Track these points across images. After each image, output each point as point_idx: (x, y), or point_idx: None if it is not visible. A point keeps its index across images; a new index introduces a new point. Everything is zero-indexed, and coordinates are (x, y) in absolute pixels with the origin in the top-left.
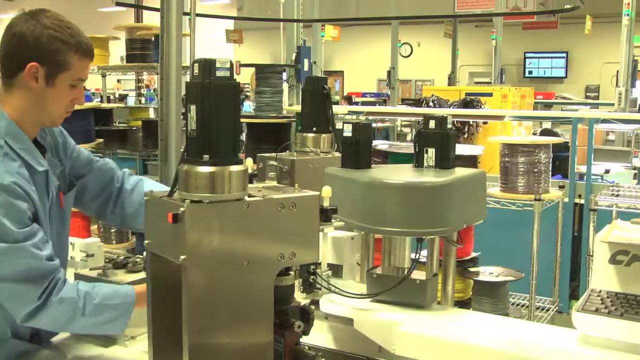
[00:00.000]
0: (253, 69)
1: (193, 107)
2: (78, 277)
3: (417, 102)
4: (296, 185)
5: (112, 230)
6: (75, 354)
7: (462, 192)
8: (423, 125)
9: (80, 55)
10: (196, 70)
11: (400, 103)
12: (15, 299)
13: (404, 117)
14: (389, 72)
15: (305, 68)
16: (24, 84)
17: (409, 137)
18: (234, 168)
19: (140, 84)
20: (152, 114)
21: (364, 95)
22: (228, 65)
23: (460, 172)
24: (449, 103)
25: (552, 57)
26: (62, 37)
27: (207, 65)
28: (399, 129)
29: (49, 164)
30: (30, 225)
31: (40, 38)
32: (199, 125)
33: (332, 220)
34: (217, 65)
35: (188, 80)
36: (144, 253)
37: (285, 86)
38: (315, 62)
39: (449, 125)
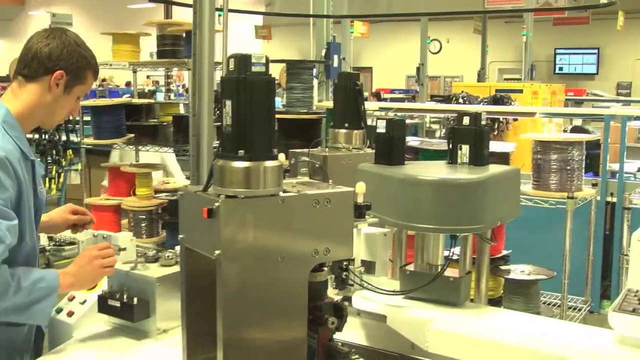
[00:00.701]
0: (281, 65)
1: (228, 103)
2: None
3: (447, 99)
4: (330, 181)
5: (143, 225)
6: (109, 348)
7: (496, 189)
8: (457, 121)
9: (93, 75)
10: (232, 66)
11: (429, 99)
12: None
13: (434, 113)
14: (418, 69)
15: (335, 64)
16: (44, 86)
17: (437, 134)
18: (269, 163)
19: (169, 80)
20: (182, 110)
21: (392, 91)
22: (263, 61)
23: (495, 169)
24: (478, 100)
25: (583, 54)
26: (87, 57)
27: (243, 61)
28: (427, 125)
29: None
30: (8, 208)
31: (72, 54)
32: (234, 121)
33: (366, 216)
34: (253, 60)
35: (220, 75)
36: (175, 247)
37: (314, 82)
38: (344, 59)
39: (483, 122)
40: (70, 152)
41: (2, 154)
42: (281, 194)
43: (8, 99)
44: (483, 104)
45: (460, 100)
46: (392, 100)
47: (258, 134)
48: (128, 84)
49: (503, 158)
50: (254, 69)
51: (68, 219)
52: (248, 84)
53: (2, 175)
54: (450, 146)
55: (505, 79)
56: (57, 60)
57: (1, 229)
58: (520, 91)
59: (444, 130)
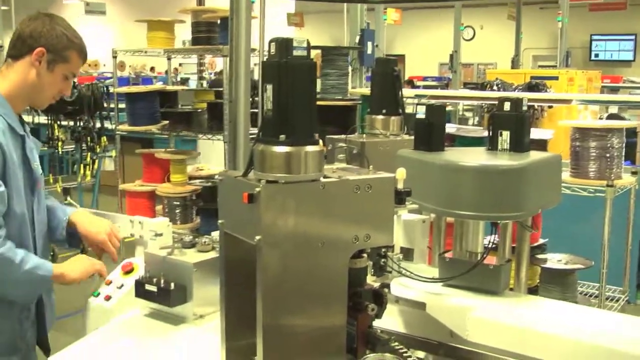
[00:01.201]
0: (314, 52)
1: (269, 87)
2: (148, 256)
3: (481, 86)
4: (370, 166)
5: (177, 211)
6: (146, 332)
7: (538, 175)
8: (497, 107)
9: (79, 55)
10: (273, 50)
11: (462, 87)
12: None
13: (467, 101)
14: (451, 56)
15: (369, 51)
16: (28, 64)
17: (470, 122)
18: (310, 148)
19: (202, 68)
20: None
21: (425, 79)
22: (305, 45)
23: (536, 155)
24: (513, 87)
25: (619, 40)
26: (69, 36)
27: (285, 45)
28: (460, 113)
29: (33, 142)
30: None
31: (51, 32)
32: (275, 105)
33: (406, 202)
34: (294, 44)
35: (255, 62)
36: (211, 233)
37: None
38: (377, 46)
39: (524, 108)
40: (104, 138)
41: None
42: (322, 179)
43: None
44: (518, 91)
45: (495, 88)
46: (425, 88)
47: (299, 119)
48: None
49: (541, 145)
50: (295, 52)
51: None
52: (290, 68)
53: None
54: (491, 132)
55: (540, 66)
56: (38, 38)
57: None
58: (556, 78)
59: (477, 118)
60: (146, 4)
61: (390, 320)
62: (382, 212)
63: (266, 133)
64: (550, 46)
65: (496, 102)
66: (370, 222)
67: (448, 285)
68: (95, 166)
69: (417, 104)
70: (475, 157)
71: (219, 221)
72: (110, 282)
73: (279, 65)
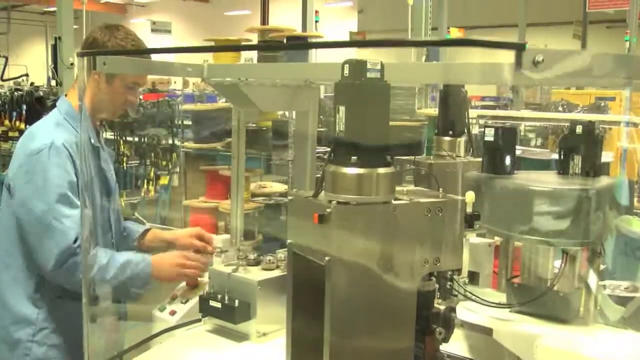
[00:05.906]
0: None
1: (342, 108)
2: (212, 272)
3: (546, 107)
4: (440, 189)
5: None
6: (209, 348)
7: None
8: (569, 130)
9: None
10: (346, 71)
11: (524, 107)
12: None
13: (530, 122)
14: None
15: None
16: (95, 80)
17: (532, 143)
18: (382, 170)
19: None
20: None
21: (483, 99)
22: (379, 67)
23: (608, 180)
24: (578, 108)
25: None
26: (125, 47)
27: (359, 66)
28: (522, 134)
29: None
30: (73, 195)
31: (107, 44)
32: (347, 127)
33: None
34: (368, 66)
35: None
36: (275, 251)
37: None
38: None
39: (597, 131)
40: (175, 155)
41: (60, 143)
42: (394, 201)
43: (71, 95)
44: (583, 112)
45: (560, 109)
46: (483, 108)
47: (372, 141)
48: None
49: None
50: (369, 75)
51: (193, 244)
52: (363, 90)
53: (60, 161)
54: (561, 155)
55: (605, 87)
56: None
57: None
58: (612, 99)
59: (539, 139)
60: (209, 24)
61: (456, 345)
62: (452, 236)
63: (338, 154)
64: None
65: (561, 124)
66: (440, 246)
67: (515, 311)
68: (160, 181)
69: (485, 126)
70: (546, 181)
71: (288, 241)
72: (176, 297)
73: (353, 87)
